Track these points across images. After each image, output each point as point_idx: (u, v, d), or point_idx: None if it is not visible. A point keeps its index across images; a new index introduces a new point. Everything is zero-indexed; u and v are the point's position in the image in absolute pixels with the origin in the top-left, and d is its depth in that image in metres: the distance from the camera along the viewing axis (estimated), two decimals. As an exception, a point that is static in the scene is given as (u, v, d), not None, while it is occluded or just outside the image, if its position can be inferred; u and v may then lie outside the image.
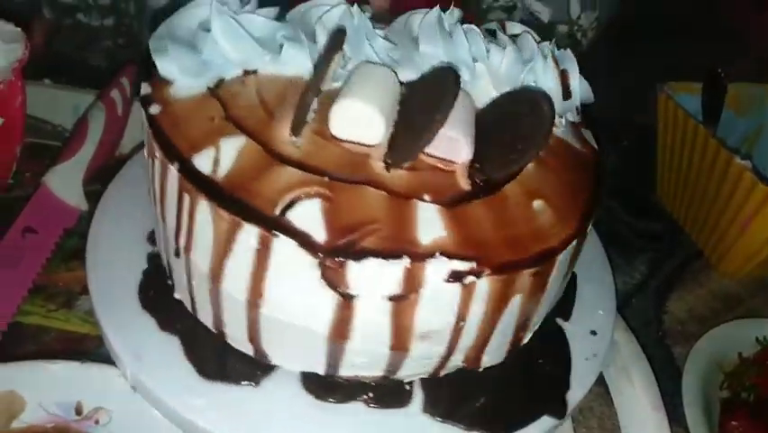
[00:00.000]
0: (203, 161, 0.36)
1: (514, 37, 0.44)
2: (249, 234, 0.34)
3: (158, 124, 0.38)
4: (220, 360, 0.40)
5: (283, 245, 0.34)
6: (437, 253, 0.34)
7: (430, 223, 0.35)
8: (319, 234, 0.34)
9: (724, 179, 0.60)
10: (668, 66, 0.78)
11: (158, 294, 0.43)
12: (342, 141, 0.37)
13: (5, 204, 0.54)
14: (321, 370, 0.39)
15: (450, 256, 0.34)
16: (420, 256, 0.34)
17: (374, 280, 0.34)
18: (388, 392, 0.39)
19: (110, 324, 0.41)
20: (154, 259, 0.45)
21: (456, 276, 0.34)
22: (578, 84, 0.42)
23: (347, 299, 0.35)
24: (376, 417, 0.39)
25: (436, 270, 0.34)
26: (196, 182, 0.35)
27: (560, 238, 0.37)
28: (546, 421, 0.40)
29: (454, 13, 0.43)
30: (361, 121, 0.36)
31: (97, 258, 0.45)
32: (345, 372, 0.39)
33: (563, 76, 0.41)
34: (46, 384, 0.38)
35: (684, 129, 0.64)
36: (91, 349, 0.47)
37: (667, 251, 0.66)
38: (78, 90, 0.66)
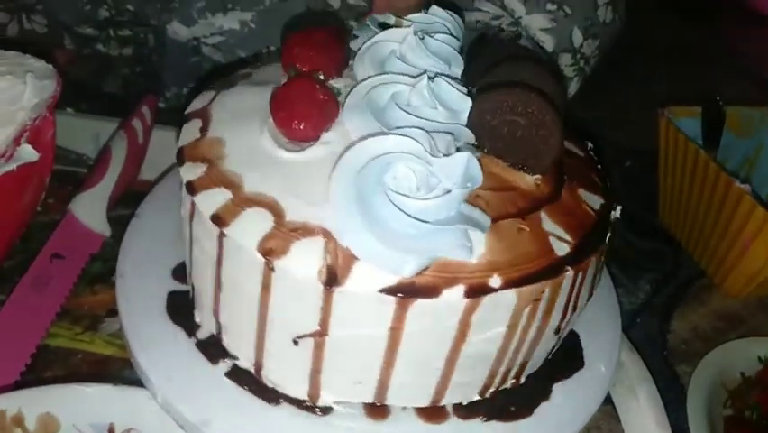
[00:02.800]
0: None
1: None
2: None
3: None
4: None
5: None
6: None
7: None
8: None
9: (724, 203, 0.62)
10: (669, 87, 0.80)
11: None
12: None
13: (33, 230, 0.57)
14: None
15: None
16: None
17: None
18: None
19: (139, 346, 0.43)
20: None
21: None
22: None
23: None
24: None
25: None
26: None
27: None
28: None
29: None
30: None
31: (126, 285, 0.47)
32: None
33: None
34: (80, 406, 0.40)
35: (685, 153, 0.66)
36: (116, 370, 0.49)
37: (670, 271, 0.68)
38: (99, 118, 0.69)
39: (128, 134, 0.62)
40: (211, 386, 0.42)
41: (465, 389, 0.42)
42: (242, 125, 0.43)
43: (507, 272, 0.37)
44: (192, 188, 0.40)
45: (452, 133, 0.40)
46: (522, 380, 0.44)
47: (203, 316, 0.44)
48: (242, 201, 0.38)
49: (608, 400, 0.50)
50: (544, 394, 0.45)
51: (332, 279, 0.36)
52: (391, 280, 0.35)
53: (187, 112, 0.45)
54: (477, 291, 0.36)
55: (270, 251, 0.36)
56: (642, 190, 0.74)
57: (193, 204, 0.40)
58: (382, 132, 0.38)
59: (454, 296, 0.36)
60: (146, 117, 0.65)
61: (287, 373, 0.41)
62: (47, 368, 0.48)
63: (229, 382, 0.42)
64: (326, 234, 0.36)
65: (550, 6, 0.70)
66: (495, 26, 0.71)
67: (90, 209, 0.57)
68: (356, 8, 0.72)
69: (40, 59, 0.51)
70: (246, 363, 0.42)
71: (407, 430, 0.41)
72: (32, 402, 0.39)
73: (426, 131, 0.38)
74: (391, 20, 0.48)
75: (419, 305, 0.36)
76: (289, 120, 0.40)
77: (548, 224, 0.40)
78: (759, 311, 0.64)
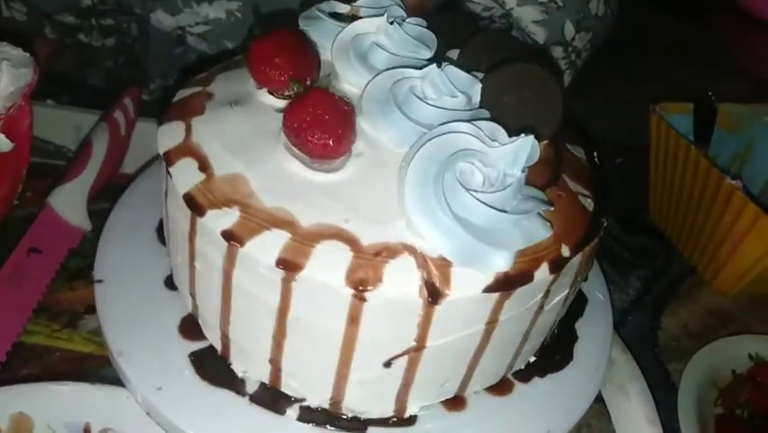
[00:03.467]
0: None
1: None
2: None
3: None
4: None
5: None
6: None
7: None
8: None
9: (715, 199, 0.61)
10: (662, 85, 0.80)
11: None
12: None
13: (9, 224, 0.55)
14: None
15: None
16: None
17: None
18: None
19: (120, 344, 0.42)
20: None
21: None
22: None
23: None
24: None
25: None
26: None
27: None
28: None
29: None
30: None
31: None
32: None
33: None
34: (54, 405, 0.39)
35: (676, 149, 0.65)
36: (95, 368, 0.47)
37: (661, 268, 0.68)
38: (80, 110, 0.67)
39: (110, 126, 0.61)
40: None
41: (523, 359, 0.44)
42: (251, 155, 0.39)
43: (569, 239, 0.38)
44: (238, 238, 0.36)
45: (484, 118, 0.39)
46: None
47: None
48: (306, 238, 0.35)
49: (599, 399, 0.49)
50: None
51: (434, 293, 0.35)
52: (489, 278, 0.35)
53: (163, 152, 0.40)
54: (557, 265, 0.37)
55: (363, 281, 0.34)
56: (633, 187, 0.74)
57: (236, 255, 0.36)
58: (427, 132, 0.37)
59: (543, 275, 0.37)
60: (129, 109, 0.64)
61: (372, 397, 0.40)
62: (23, 366, 0.47)
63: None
64: (411, 250, 0.35)
65: (542, -2, 0.70)
66: (486, 17, 0.70)
67: (70, 203, 0.55)
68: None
69: (16, 47, 0.50)
70: (319, 400, 0.41)
71: (485, 411, 0.43)
72: (5, 401, 0.38)
73: (470, 121, 0.37)
74: (343, 8, 0.46)
75: (515, 293, 0.36)
76: (323, 140, 0.37)
77: (572, 184, 0.42)
78: (750, 308, 0.64)
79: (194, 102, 0.43)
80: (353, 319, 0.35)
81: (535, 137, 0.37)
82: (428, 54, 0.44)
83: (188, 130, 0.41)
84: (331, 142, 0.37)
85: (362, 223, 0.36)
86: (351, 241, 0.35)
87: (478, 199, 0.35)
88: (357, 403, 0.40)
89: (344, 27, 0.43)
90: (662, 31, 1.12)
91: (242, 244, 0.35)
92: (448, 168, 0.35)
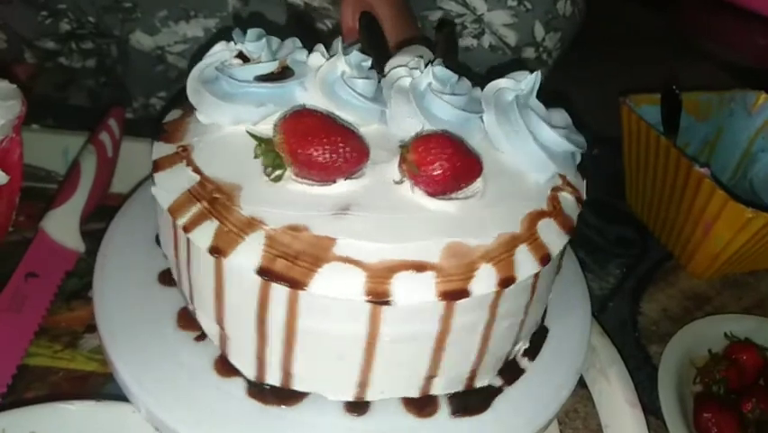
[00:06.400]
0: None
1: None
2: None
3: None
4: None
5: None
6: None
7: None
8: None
9: (686, 187, 0.64)
10: (633, 76, 0.82)
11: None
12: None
13: (4, 249, 0.56)
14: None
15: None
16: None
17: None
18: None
19: (122, 359, 0.44)
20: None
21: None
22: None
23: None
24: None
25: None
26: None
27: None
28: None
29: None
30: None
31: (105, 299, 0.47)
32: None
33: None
34: (65, 425, 0.40)
35: (647, 139, 0.68)
36: (99, 386, 0.49)
37: (639, 255, 0.70)
38: (66, 133, 0.68)
39: (97, 149, 0.62)
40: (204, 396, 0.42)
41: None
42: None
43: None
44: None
45: None
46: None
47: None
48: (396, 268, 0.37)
49: (583, 384, 0.51)
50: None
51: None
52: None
53: (168, 208, 0.40)
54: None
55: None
56: (609, 177, 0.76)
57: (298, 297, 0.37)
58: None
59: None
60: (114, 130, 0.65)
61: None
62: (28, 388, 0.48)
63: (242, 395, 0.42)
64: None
65: (511, 2, 0.72)
66: (458, 24, 0.72)
67: (62, 226, 0.57)
68: (320, 10, 0.72)
69: (3, 79, 0.51)
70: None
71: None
72: (16, 423, 0.40)
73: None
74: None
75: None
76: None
77: None
78: (724, 289, 0.67)
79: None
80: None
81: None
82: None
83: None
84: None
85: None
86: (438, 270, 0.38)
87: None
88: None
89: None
90: (631, 20, 1.14)
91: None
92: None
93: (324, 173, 0.39)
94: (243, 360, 0.42)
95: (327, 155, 0.38)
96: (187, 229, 0.39)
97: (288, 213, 0.38)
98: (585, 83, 0.90)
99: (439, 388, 0.43)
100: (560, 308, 0.50)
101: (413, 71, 0.45)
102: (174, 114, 0.47)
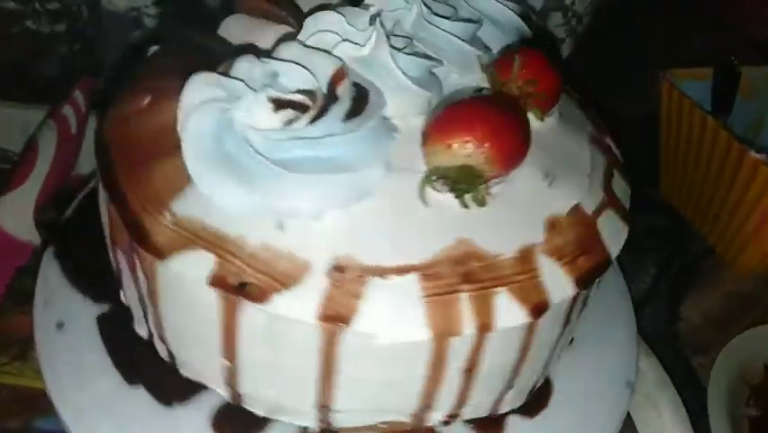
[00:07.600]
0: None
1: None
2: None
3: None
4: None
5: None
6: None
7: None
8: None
9: (737, 174, 0.56)
10: (668, 51, 0.74)
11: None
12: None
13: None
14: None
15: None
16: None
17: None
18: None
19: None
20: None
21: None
22: None
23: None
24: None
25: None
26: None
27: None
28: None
29: None
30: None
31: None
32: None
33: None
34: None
35: (690, 120, 0.60)
36: (47, 406, 0.41)
37: (675, 248, 0.62)
38: (28, 107, 0.61)
39: (58, 124, 0.54)
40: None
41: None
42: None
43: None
44: None
45: None
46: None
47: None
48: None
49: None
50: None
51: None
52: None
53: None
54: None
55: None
56: (640, 161, 0.68)
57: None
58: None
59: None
60: (80, 103, 0.57)
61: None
62: (-34, 408, 0.41)
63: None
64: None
65: (536, -40, 0.63)
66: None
67: (14, 215, 0.50)
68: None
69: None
70: None
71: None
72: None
73: None
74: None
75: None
76: None
77: None
78: (774, 291, 0.59)
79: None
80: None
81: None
82: None
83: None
84: None
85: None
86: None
87: None
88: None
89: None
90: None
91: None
92: None
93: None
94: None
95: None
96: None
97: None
98: (617, 56, 0.82)
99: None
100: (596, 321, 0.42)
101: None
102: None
